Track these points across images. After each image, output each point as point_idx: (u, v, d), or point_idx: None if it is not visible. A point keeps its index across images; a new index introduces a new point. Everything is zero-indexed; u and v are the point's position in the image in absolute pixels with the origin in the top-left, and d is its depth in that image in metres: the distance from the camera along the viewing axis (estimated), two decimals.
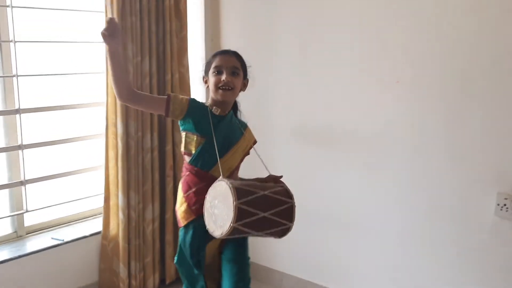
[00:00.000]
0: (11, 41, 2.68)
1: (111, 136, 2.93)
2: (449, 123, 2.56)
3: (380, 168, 2.83)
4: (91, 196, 3.18)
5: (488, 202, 2.50)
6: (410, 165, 2.72)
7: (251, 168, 2.37)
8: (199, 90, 3.28)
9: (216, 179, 2.14)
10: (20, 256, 2.76)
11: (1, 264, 2.69)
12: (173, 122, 3.10)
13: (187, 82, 3.18)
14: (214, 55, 2.27)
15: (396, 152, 2.75)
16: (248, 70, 2.32)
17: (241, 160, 2.34)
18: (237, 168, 2.35)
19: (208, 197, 2.12)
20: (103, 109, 2.93)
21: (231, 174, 2.27)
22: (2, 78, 2.73)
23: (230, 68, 2.21)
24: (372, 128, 2.81)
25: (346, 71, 2.86)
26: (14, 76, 2.71)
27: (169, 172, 3.15)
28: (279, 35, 3.08)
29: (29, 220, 2.98)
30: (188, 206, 2.26)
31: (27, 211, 2.89)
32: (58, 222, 3.11)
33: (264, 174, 2.30)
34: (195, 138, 2.22)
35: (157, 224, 3.17)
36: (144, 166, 3.05)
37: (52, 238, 2.95)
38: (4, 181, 2.84)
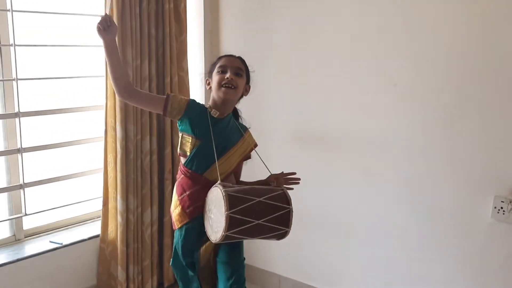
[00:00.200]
0: (11, 44, 2.67)
1: (110, 139, 2.93)
2: (446, 126, 2.59)
3: (377, 171, 2.84)
4: (89, 199, 3.18)
5: (485, 205, 2.52)
6: (407, 168, 2.74)
7: (251, 171, 2.40)
8: (198, 94, 3.28)
9: (210, 182, 2.16)
10: (18, 260, 2.75)
11: (0, 268, 2.68)
12: (172, 125, 3.11)
13: (186, 85, 3.19)
14: (219, 58, 2.31)
15: (393, 155, 2.77)
16: (251, 75, 2.34)
17: (239, 164, 2.35)
18: (236, 171, 2.37)
19: (207, 201, 2.15)
20: (102, 113, 2.93)
21: (227, 178, 2.28)
22: (2, 81, 2.73)
23: (235, 68, 2.24)
24: (369, 131, 2.83)
25: (344, 74, 2.87)
26: (13, 79, 2.71)
27: (167, 175, 3.16)
28: (277, 38, 3.09)
29: (28, 223, 2.97)
30: (182, 209, 2.27)
31: (25, 214, 2.88)
32: (56, 225, 3.11)
33: (265, 176, 2.32)
34: (190, 140, 2.24)
35: (155, 227, 3.17)
36: (143, 170, 3.05)
37: (50, 242, 2.94)
38: (3, 184, 2.83)
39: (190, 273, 2.35)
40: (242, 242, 2.37)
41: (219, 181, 2.11)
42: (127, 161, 2.94)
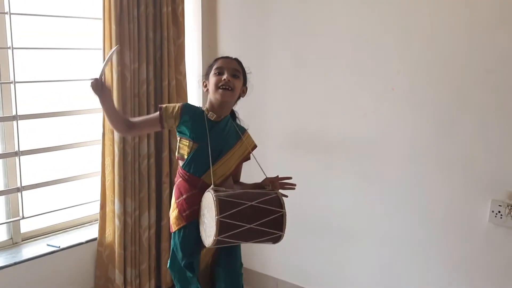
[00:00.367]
0: (9, 47, 2.67)
1: (107, 142, 2.93)
2: (443, 130, 2.59)
3: (374, 176, 2.85)
4: (87, 202, 3.18)
5: (482, 209, 2.52)
6: (404, 173, 2.74)
7: (248, 173, 2.40)
8: (196, 97, 3.29)
9: (208, 185, 2.16)
10: (16, 263, 2.74)
11: None
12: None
13: (184, 89, 3.19)
14: (216, 59, 2.31)
15: (390, 160, 2.77)
16: (248, 77, 2.34)
17: (239, 166, 2.35)
18: (236, 173, 2.36)
19: (201, 205, 2.17)
20: (100, 116, 2.93)
21: (225, 180, 2.28)
22: None
23: (232, 70, 2.24)
24: (366, 136, 2.83)
25: (341, 78, 2.88)
26: (11, 82, 2.71)
27: (165, 179, 3.15)
28: (274, 42, 3.10)
29: (25, 226, 2.97)
30: (179, 212, 2.27)
31: (23, 217, 2.88)
32: (54, 228, 3.10)
33: (262, 179, 2.31)
34: (187, 143, 2.24)
35: (153, 231, 3.17)
36: (141, 173, 3.05)
37: (48, 245, 2.94)
38: (1, 187, 2.83)
39: (189, 274, 2.35)
40: (239, 249, 2.38)
41: (212, 186, 2.11)
42: (125, 164, 2.94)
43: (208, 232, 2.07)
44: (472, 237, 2.57)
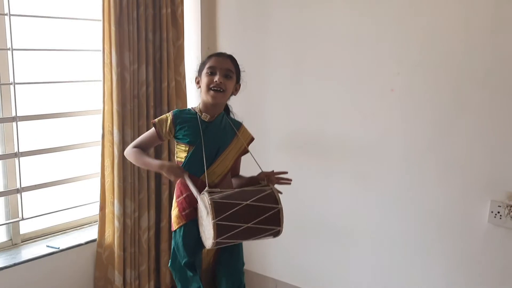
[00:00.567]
0: (8, 48, 2.68)
1: (107, 144, 2.93)
2: (442, 131, 2.59)
3: (373, 177, 2.85)
4: (86, 204, 3.18)
5: (481, 210, 2.52)
6: (403, 174, 2.74)
7: (246, 170, 2.41)
8: (195, 98, 3.28)
9: (208, 185, 2.17)
10: (15, 264, 2.74)
11: None
12: None
13: (183, 90, 3.20)
14: (209, 56, 2.29)
15: (389, 161, 2.77)
16: (242, 74, 2.33)
17: (237, 160, 2.35)
18: (235, 167, 2.37)
19: (198, 208, 2.17)
20: (99, 117, 2.93)
21: (224, 178, 2.29)
22: None
23: (224, 70, 2.23)
24: (365, 137, 2.83)
25: (340, 79, 2.88)
26: (11, 83, 2.71)
27: (165, 180, 3.15)
28: (274, 44, 3.10)
29: (25, 228, 2.97)
30: (179, 211, 2.30)
31: (22, 219, 2.88)
32: (53, 230, 3.10)
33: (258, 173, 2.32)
34: (183, 147, 2.27)
35: (152, 232, 3.17)
36: (140, 174, 3.05)
37: (47, 246, 2.94)
38: (0, 188, 2.83)
39: (189, 273, 2.36)
40: (241, 248, 2.39)
41: (206, 188, 2.12)
42: (124, 166, 2.94)
43: (207, 234, 2.08)
44: (472, 237, 2.57)
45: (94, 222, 3.16)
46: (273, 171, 2.27)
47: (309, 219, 3.12)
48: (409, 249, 2.78)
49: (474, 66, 2.46)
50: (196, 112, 2.28)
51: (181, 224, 2.30)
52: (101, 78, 2.86)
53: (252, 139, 2.38)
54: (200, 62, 2.33)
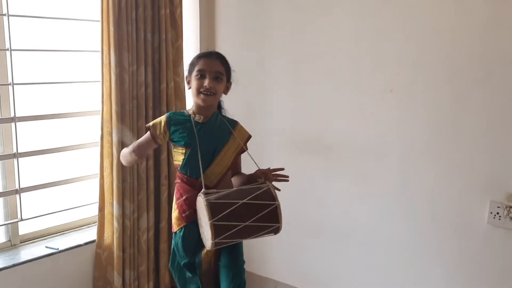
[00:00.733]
0: (7, 49, 2.68)
1: (106, 144, 2.93)
2: (442, 132, 2.59)
3: (373, 177, 2.84)
4: (85, 205, 3.17)
5: (480, 211, 2.52)
6: (403, 174, 2.74)
7: (244, 166, 2.41)
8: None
9: (207, 186, 2.18)
10: (14, 265, 2.74)
11: None
12: None
13: (182, 91, 3.19)
14: (199, 57, 2.28)
15: (389, 161, 2.77)
16: (232, 73, 2.32)
17: (236, 159, 2.34)
18: (235, 165, 2.36)
19: (197, 209, 2.17)
20: (98, 118, 2.93)
21: (223, 178, 2.29)
22: None
23: (214, 73, 2.21)
24: (365, 137, 2.83)
25: (340, 79, 2.88)
26: (9, 84, 2.71)
27: (164, 181, 3.15)
28: (273, 44, 3.10)
29: (24, 228, 2.97)
30: (179, 213, 2.31)
31: (21, 219, 2.87)
32: (52, 231, 3.10)
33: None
34: (180, 149, 2.27)
35: (151, 233, 3.17)
36: (139, 175, 3.04)
37: (46, 247, 2.93)
38: None
39: (188, 274, 2.36)
40: (241, 246, 2.39)
41: (203, 189, 2.12)
42: (123, 167, 2.93)
43: (206, 235, 2.08)
44: (471, 238, 2.57)
45: (93, 223, 3.16)
46: (269, 168, 2.25)
47: (309, 219, 3.11)
48: (409, 250, 2.78)
49: (474, 67, 2.46)
50: (190, 114, 2.28)
51: (182, 226, 2.31)
52: (100, 79, 2.86)
53: (249, 136, 2.37)
54: (190, 62, 2.32)
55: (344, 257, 3.03)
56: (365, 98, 2.80)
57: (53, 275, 2.92)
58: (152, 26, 3.00)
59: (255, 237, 2.13)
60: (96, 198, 3.02)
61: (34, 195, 2.93)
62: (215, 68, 2.22)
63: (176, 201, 2.34)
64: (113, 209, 2.96)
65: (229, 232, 2.01)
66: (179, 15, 3.12)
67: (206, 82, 2.19)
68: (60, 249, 2.93)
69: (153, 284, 3.24)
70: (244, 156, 2.36)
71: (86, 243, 3.04)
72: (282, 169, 2.27)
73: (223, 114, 2.38)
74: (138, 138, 2.97)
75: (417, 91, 2.64)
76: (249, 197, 2.06)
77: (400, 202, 2.77)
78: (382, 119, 2.76)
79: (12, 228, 2.91)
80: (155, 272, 3.26)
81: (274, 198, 2.08)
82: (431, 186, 2.66)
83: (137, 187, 3.05)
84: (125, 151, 2.33)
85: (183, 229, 2.31)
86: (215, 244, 2.03)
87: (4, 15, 2.65)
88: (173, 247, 2.38)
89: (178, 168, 2.29)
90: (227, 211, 2.01)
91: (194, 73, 2.23)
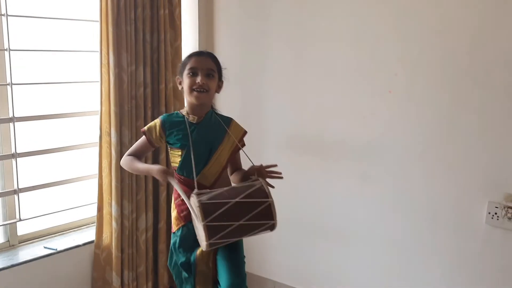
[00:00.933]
0: (6, 49, 2.67)
1: (104, 145, 2.92)
2: (441, 132, 2.59)
3: (372, 177, 2.85)
4: (84, 205, 3.17)
5: (479, 211, 2.53)
6: (402, 174, 2.74)
7: (244, 165, 2.40)
8: None
9: (204, 186, 2.19)
10: (12, 266, 2.73)
11: None
12: None
13: (180, 91, 3.18)
14: (189, 56, 2.28)
15: (388, 162, 2.77)
16: (224, 71, 2.32)
17: (233, 156, 2.34)
18: (234, 162, 2.36)
19: (191, 210, 2.16)
20: (97, 118, 2.93)
21: (219, 177, 2.30)
22: None
23: (205, 70, 2.22)
24: (364, 138, 2.84)
25: (338, 80, 2.88)
26: (8, 84, 2.71)
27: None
28: (272, 44, 3.10)
29: (22, 229, 2.96)
30: (178, 213, 2.32)
31: (20, 220, 2.87)
32: (51, 231, 3.09)
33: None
34: (176, 152, 2.28)
35: (150, 233, 3.16)
36: (138, 176, 3.04)
37: (45, 247, 2.93)
38: None
39: (185, 274, 2.36)
40: (240, 240, 2.37)
41: (195, 190, 2.11)
42: (122, 167, 2.93)
43: (201, 236, 2.08)
44: (469, 238, 2.58)
45: (92, 223, 3.16)
46: (261, 165, 2.23)
47: (308, 219, 3.12)
48: (407, 250, 2.78)
49: (473, 67, 2.47)
50: (184, 115, 2.28)
51: (180, 225, 2.32)
52: (99, 79, 2.86)
53: (245, 132, 2.36)
54: (181, 62, 2.32)
55: (343, 258, 3.03)
56: (364, 98, 2.81)
57: (52, 275, 2.91)
58: (151, 26, 3.00)
59: (251, 235, 2.11)
60: (94, 198, 3.02)
61: (33, 195, 2.93)
62: (207, 65, 2.23)
63: (174, 201, 2.35)
64: (111, 209, 2.96)
65: (223, 232, 2.00)
66: (178, 15, 3.12)
67: (198, 79, 2.19)
68: (58, 249, 2.92)
69: (152, 284, 3.24)
70: (242, 153, 2.36)
71: (84, 244, 3.04)
72: (275, 165, 2.25)
73: (220, 114, 2.38)
74: (136, 140, 2.98)
75: (416, 91, 2.64)
76: (241, 196, 2.05)
77: (399, 203, 2.77)
78: (381, 119, 2.77)
79: (11, 228, 2.90)
80: (154, 272, 3.26)
81: (267, 195, 2.06)
82: (429, 187, 2.66)
83: (136, 187, 3.05)
84: (127, 161, 2.35)
85: (181, 229, 2.32)
86: (209, 245, 2.02)
87: (3, 15, 2.64)
88: (171, 246, 2.39)
89: (176, 170, 2.29)
90: (220, 211, 2.00)
91: (186, 71, 2.24)
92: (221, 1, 3.27)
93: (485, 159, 2.49)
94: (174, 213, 2.35)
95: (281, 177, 2.24)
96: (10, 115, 2.74)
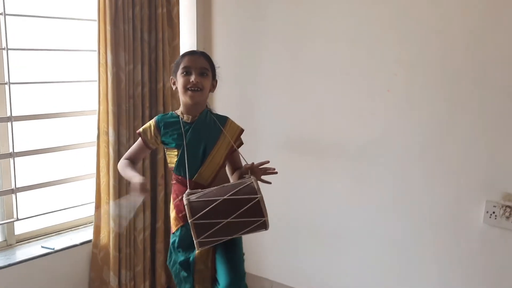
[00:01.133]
0: (4, 48, 2.67)
1: (102, 144, 2.92)
2: (439, 132, 2.59)
3: (369, 177, 2.85)
4: (82, 204, 3.17)
5: (477, 210, 2.53)
6: (399, 174, 2.74)
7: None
8: None
9: (201, 185, 2.19)
10: (10, 265, 2.73)
11: None
12: None
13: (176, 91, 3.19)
14: (183, 56, 2.28)
15: (385, 162, 2.77)
16: (217, 70, 2.32)
17: (232, 156, 2.32)
18: (233, 162, 2.35)
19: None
20: (94, 118, 2.93)
21: (216, 176, 2.29)
22: None
23: (199, 69, 2.21)
24: (362, 137, 2.83)
25: (337, 80, 2.88)
26: (6, 83, 2.70)
27: (160, 181, 3.15)
28: (270, 44, 3.10)
29: (20, 228, 2.96)
30: (176, 213, 2.32)
31: (17, 219, 2.87)
32: (48, 230, 3.09)
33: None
34: (172, 152, 2.28)
35: (148, 233, 3.16)
36: None
37: (42, 247, 2.93)
38: None
39: (183, 273, 2.36)
40: (239, 237, 2.36)
41: (187, 190, 2.11)
42: None
43: (192, 235, 2.07)
44: (467, 238, 2.58)
45: (90, 223, 3.16)
46: (253, 163, 2.21)
47: (306, 219, 3.11)
48: (405, 249, 2.78)
49: (471, 67, 2.47)
50: (179, 115, 2.28)
51: (179, 226, 2.32)
52: (97, 78, 2.86)
53: (242, 130, 2.34)
54: (174, 62, 2.32)
55: (340, 258, 3.03)
56: (363, 98, 2.81)
57: (49, 275, 2.91)
58: (148, 25, 3.00)
59: (243, 233, 2.09)
60: (92, 197, 3.02)
61: (30, 194, 2.93)
62: (200, 64, 2.23)
63: (173, 201, 2.35)
64: (109, 209, 2.95)
65: (212, 230, 1.99)
66: (176, 14, 3.12)
67: (192, 78, 2.19)
68: (56, 249, 2.92)
69: (149, 284, 3.24)
70: (244, 154, 2.35)
71: (82, 243, 3.04)
72: (268, 161, 2.23)
73: (215, 113, 2.37)
74: (134, 139, 2.98)
75: (415, 92, 2.64)
76: (230, 193, 2.03)
77: (396, 202, 2.77)
78: (379, 119, 2.77)
79: (8, 228, 2.90)
80: (151, 272, 3.26)
81: (256, 192, 2.03)
82: (427, 186, 2.66)
83: None
84: (121, 166, 2.36)
85: (180, 230, 2.32)
86: (199, 243, 2.01)
87: (1, 14, 2.64)
88: (170, 246, 2.39)
89: (173, 170, 2.29)
90: (207, 209, 1.98)
91: (179, 71, 2.23)
92: (219, 1, 3.26)
93: (484, 159, 2.49)
94: (172, 214, 2.35)
95: (276, 173, 2.22)
96: (8, 114, 2.74)
